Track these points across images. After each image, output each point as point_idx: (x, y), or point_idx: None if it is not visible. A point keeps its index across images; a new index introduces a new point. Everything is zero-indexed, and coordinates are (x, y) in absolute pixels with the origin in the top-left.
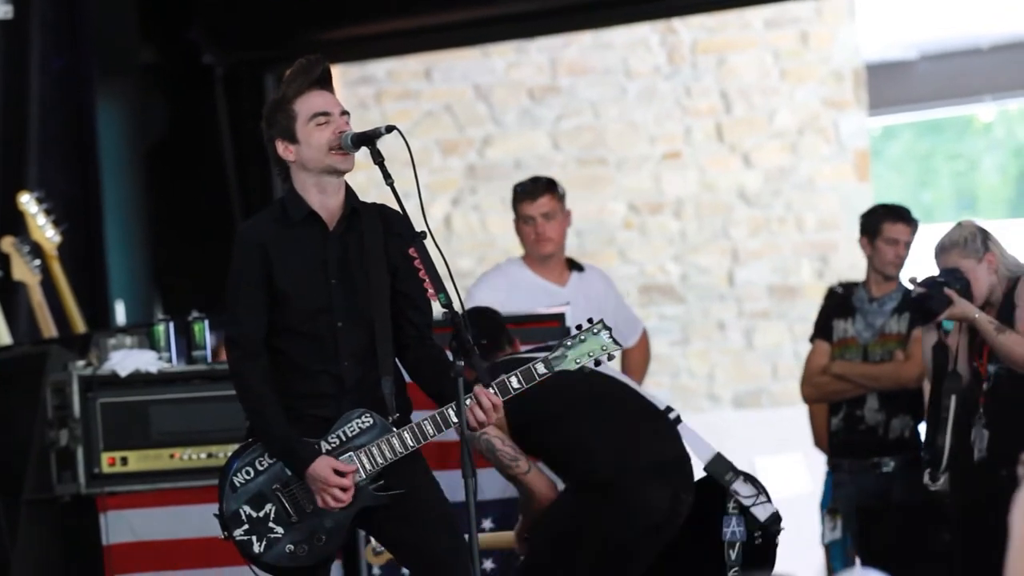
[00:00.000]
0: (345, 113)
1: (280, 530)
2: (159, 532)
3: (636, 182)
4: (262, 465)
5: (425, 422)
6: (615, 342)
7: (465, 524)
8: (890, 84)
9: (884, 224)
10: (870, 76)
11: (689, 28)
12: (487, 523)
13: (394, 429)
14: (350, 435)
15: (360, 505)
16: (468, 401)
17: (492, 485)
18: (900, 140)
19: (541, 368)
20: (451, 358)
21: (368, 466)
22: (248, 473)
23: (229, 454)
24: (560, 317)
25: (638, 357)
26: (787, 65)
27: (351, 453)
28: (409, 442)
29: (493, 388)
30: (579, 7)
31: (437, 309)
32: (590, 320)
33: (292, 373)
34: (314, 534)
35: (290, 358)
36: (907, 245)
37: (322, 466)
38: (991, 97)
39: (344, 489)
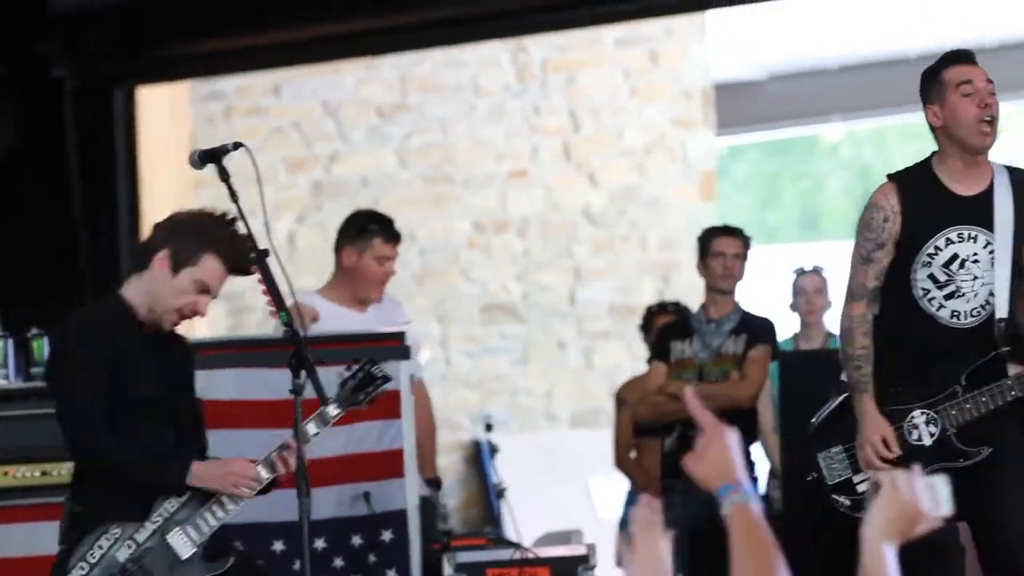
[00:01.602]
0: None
1: None
2: None
3: (482, 200)
4: (93, 557)
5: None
6: (385, 376)
7: (296, 543)
8: (739, 104)
9: (711, 240)
10: (719, 96)
11: (539, 46)
12: (320, 542)
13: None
14: (171, 510)
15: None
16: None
17: (325, 504)
18: (747, 160)
19: (332, 411)
20: (291, 375)
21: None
22: (82, 568)
23: (62, 472)
24: (400, 335)
25: (421, 402)
26: (637, 84)
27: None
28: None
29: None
30: (430, 24)
31: (276, 327)
32: (357, 360)
33: None
34: None
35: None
36: (736, 258)
37: (220, 465)
38: (839, 117)
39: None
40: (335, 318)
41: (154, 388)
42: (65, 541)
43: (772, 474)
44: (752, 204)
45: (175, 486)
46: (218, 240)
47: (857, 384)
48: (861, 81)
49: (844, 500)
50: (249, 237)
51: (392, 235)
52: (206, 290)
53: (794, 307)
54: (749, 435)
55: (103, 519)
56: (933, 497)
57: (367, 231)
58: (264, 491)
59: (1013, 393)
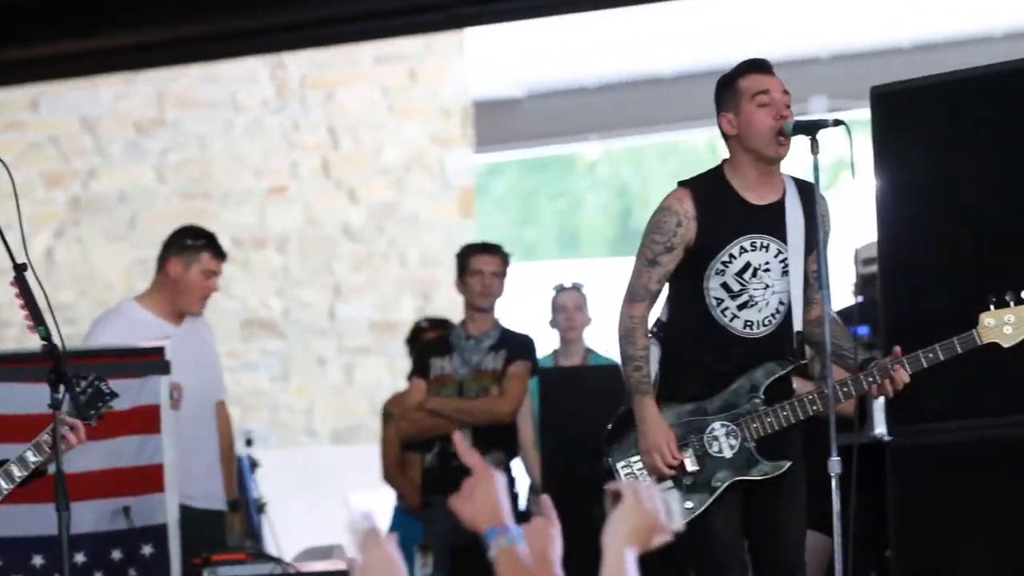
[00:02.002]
0: None
1: None
2: None
3: (240, 216)
4: None
5: (27, 452)
6: (112, 393)
7: (56, 557)
8: (497, 121)
9: (470, 258)
10: (478, 113)
11: (298, 63)
12: (79, 556)
13: None
14: None
15: None
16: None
17: (85, 518)
18: (505, 177)
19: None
20: (50, 389)
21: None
22: None
23: None
24: (160, 350)
25: (224, 421)
26: (395, 101)
27: None
28: (17, 474)
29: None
30: (187, 40)
31: (36, 341)
32: (84, 376)
33: None
34: None
35: None
36: (495, 275)
37: None
38: (597, 136)
39: None
40: (148, 327)
41: None
42: None
43: (532, 490)
44: (511, 221)
45: None
46: None
47: (638, 386)
48: (618, 100)
49: None
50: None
51: (219, 252)
52: None
53: (554, 324)
54: (509, 450)
55: None
56: (668, 511)
57: (195, 245)
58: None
59: (814, 408)
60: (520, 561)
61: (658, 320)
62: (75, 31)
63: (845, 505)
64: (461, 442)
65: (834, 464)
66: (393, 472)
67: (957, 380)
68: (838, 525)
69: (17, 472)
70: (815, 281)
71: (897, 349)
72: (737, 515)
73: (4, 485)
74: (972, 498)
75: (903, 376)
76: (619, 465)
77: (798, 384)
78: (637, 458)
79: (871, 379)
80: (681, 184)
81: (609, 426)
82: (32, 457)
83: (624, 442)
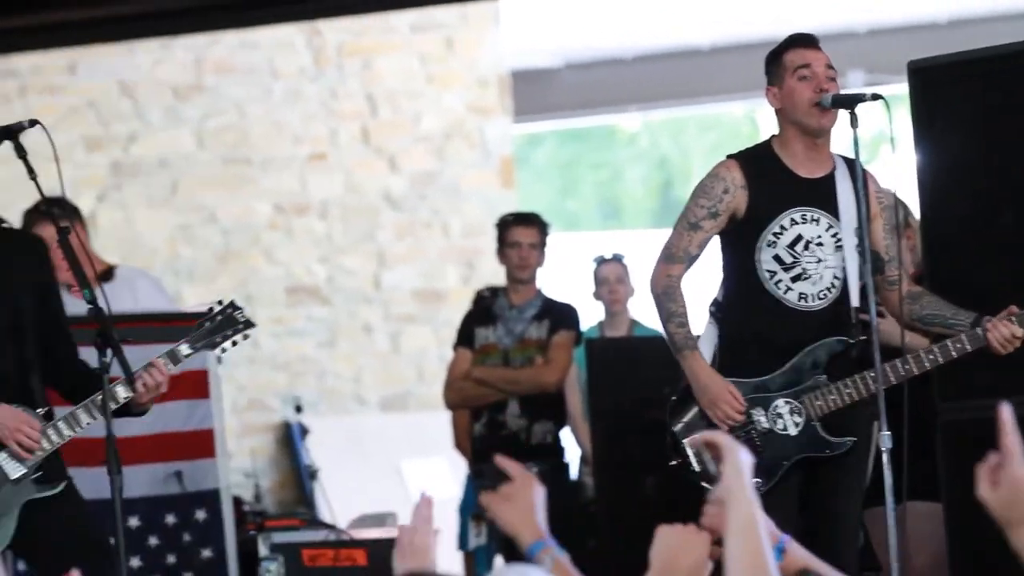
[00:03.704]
0: None
1: None
2: None
3: (281, 183)
4: None
5: (79, 410)
6: (248, 323)
7: (112, 521)
8: (535, 92)
9: (507, 230)
10: (515, 83)
11: (334, 31)
12: (134, 520)
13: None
14: None
15: (27, 497)
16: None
17: (138, 482)
18: (544, 148)
19: (185, 349)
20: (97, 353)
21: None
22: None
23: None
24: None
25: None
26: (433, 70)
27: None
28: (65, 431)
29: (165, 358)
30: (224, 6)
31: (82, 306)
32: (220, 302)
33: None
34: None
35: None
36: (532, 247)
37: (9, 412)
38: (635, 107)
39: (34, 440)
40: None
41: None
42: None
43: (583, 460)
44: (552, 191)
45: None
46: None
47: (685, 342)
48: (656, 71)
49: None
50: (55, 207)
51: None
52: None
53: (597, 296)
54: (558, 421)
55: None
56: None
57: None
58: (121, 413)
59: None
60: (570, 569)
61: (714, 299)
62: None
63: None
64: (503, 460)
65: (885, 439)
66: (464, 440)
67: (1008, 356)
68: (890, 500)
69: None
70: (890, 258)
71: (1013, 308)
72: (794, 499)
73: (87, 419)
74: None
75: (1012, 330)
76: (686, 440)
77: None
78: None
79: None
80: (730, 156)
81: (673, 397)
82: (123, 392)
83: (689, 413)
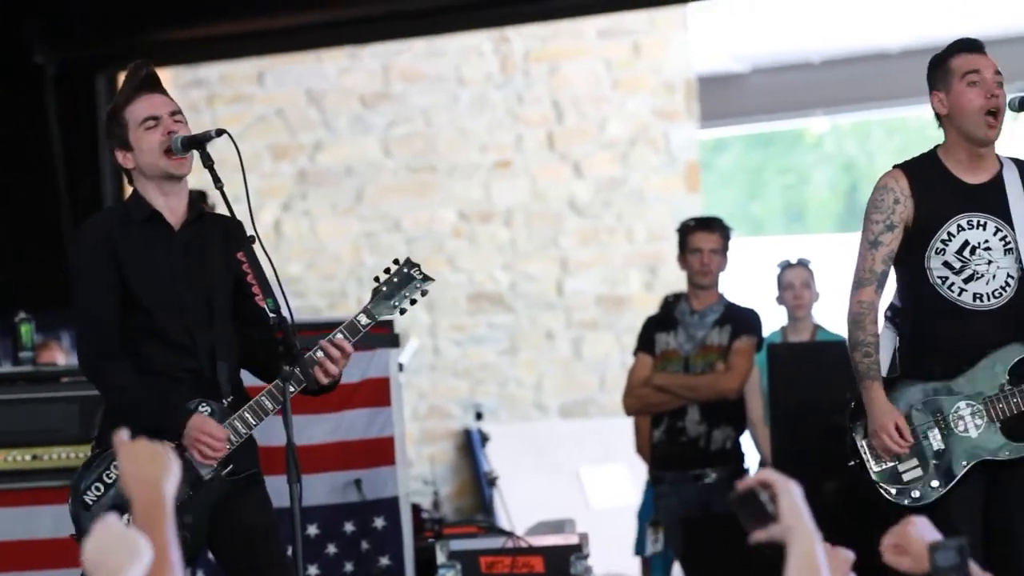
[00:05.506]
0: (176, 113)
1: None
2: None
3: (466, 190)
4: (110, 478)
5: (262, 397)
6: (426, 277)
7: (290, 530)
8: (721, 96)
9: (689, 235)
10: (702, 88)
11: (522, 37)
12: (312, 529)
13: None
14: None
15: (216, 496)
16: (318, 354)
17: (317, 490)
18: (730, 153)
19: (364, 319)
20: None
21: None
22: (98, 489)
23: (53, 456)
24: (390, 323)
25: None
26: (619, 75)
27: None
28: (251, 420)
29: (343, 333)
30: (412, 14)
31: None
32: (396, 261)
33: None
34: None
35: (139, 354)
36: (714, 253)
37: (197, 421)
38: (822, 111)
39: (215, 449)
40: None
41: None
42: (93, 448)
43: (762, 465)
44: (737, 196)
45: (173, 435)
46: (119, 93)
47: (868, 372)
48: (843, 75)
49: (890, 488)
50: (240, 223)
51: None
52: (154, 118)
53: (781, 300)
54: (738, 426)
55: None
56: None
57: None
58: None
59: None
60: None
61: (891, 304)
62: (299, 5)
63: None
64: (749, 481)
65: None
66: (646, 444)
67: None
68: None
69: (292, 388)
70: None
71: None
72: (977, 506)
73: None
74: None
75: None
76: (863, 442)
77: None
78: None
79: None
80: (896, 166)
81: (852, 403)
82: (268, 404)
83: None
